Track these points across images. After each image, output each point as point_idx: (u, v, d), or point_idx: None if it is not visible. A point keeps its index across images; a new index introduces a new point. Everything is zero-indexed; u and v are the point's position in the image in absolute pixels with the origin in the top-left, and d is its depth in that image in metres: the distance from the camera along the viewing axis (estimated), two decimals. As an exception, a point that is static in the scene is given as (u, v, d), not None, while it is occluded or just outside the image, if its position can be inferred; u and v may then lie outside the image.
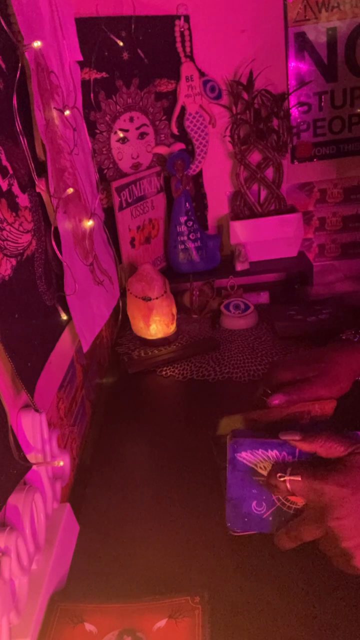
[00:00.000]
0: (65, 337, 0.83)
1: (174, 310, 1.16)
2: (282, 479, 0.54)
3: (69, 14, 0.94)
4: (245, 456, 0.58)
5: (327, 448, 0.54)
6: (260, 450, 0.58)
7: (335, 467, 0.53)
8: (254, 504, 0.59)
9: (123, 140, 1.21)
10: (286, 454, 0.57)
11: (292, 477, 0.54)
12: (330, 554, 0.54)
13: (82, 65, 1.03)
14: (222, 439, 0.62)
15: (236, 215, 1.37)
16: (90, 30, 1.05)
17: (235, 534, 0.64)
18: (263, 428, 0.62)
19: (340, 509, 0.51)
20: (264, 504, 0.59)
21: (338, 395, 0.66)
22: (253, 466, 0.58)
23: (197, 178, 1.35)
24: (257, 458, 0.58)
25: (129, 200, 1.22)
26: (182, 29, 1.20)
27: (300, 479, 0.53)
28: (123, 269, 1.23)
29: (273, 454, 0.58)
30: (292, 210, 1.34)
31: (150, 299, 1.11)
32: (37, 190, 0.73)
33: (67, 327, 0.83)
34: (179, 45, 1.21)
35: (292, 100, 1.27)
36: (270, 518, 0.59)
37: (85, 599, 0.59)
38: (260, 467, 0.58)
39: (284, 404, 0.63)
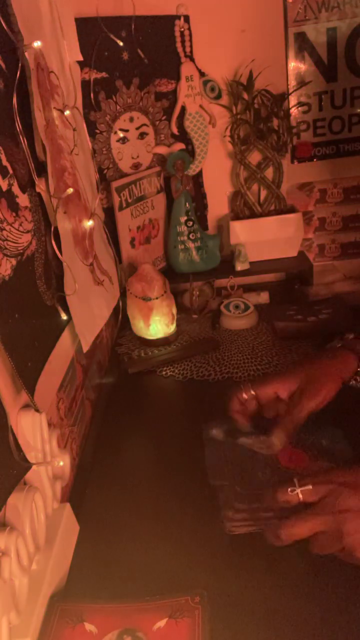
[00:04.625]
0: (65, 337, 0.83)
1: (174, 310, 1.16)
2: (293, 492, 0.55)
3: (69, 14, 0.94)
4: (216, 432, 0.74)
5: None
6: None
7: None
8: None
9: (123, 140, 1.21)
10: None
11: (303, 488, 0.55)
12: (327, 551, 0.54)
13: (82, 65, 1.03)
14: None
15: (236, 215, 1.37)
16: (90, 30, 1.05)
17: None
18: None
19: (347, 500, 0.51)
20: None
21: (324, 402, 0.71)
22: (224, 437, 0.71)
23: (197, 178, 1.35)
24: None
25: (129, 200, 1.22)
26: (182, 29, 1.20)
27: (311, 487, 0.54)
28: (123, 269, 1.23)
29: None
30: (292, 210, 1.34)
31: (150, 299, 1.11)
32: (37, 190, 0.74)
33: (67, 327, 0.83)
34: (179, 45, 1.21)
35: (292, 100, 1.27)
36: None
37: (85, 599, 0.59)
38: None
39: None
